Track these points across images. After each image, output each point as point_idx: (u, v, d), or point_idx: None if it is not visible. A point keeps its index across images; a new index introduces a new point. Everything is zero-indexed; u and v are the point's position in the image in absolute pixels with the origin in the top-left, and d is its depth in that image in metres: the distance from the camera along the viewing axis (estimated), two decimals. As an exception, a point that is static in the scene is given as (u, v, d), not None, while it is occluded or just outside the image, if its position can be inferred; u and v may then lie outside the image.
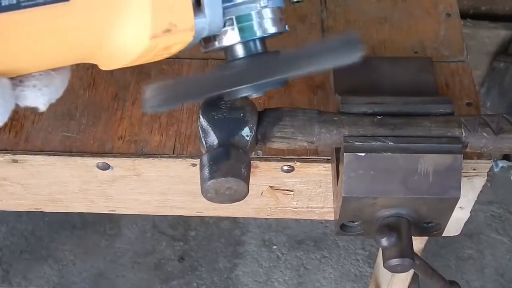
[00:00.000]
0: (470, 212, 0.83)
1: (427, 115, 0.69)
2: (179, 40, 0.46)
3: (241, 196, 0.64)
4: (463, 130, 0.67)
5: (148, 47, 0.45)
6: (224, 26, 0.52)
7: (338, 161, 0.71)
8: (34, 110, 0.51)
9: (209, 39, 0.54)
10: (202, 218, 1.96)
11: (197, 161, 0.76)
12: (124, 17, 0.43)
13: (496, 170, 1.95)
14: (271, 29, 0.55)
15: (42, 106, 0.49)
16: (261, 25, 0.54)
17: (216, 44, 0.54)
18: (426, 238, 0.99)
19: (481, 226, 1.90)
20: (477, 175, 0.77)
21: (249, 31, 0.54)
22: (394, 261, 0.67)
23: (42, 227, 1.96)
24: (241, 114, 0.66)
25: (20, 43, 0.41)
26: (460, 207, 0.81)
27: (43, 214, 1.94)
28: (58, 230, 1.95)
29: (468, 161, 0.75)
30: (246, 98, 0.65)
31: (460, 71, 0.84)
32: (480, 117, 0.68)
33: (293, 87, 0.84)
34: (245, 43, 0.55)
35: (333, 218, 0.76)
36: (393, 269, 0.68)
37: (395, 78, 0.79)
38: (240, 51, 0.55)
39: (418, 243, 1.00)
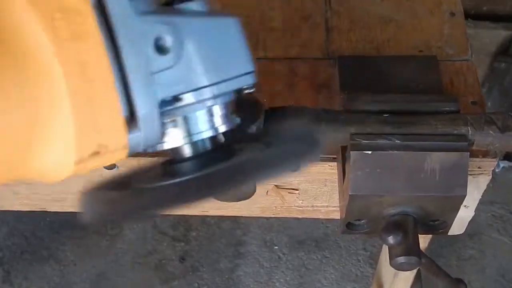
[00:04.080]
0: (474, 211, 0.83)
1: (432, 113, 0.69)
2: (110, 160, 0.41)
3: (247, 195, 0.64)
4: (469, 128, 0.67)
5: (73, 173, 0.39)
6: (168, 127, 0.46)
7: (344, 159, 0.71)
8: None
9: None
10: (203, 218, 1.96)
11: (202, 160, 0.76)
12: (43, 143, 0.38)
13: (497, 170, 1.95)
14: (221, 127, 0.48)
15: None
16: (210, 124, 0.48)
17: (160, 147, 0.47)
18: (430, 236, 0.99)
19: (482, 226, 1.90)
20: (482, 173, 0.77)
21: (197, 132, 0.47)
22: (401, 259, 0.67)
23: (43, 228, 1.96)
24: (248, 113, 0.66)
25: None
26: (465, 206, 0.81)
27: (44, 214, 1.94)
28: (59, 231, 1.95)
29: (473, 159, 0.75)
30: (253, 96, 0.65)
31: (464, 70, 0.84)
32: (485, 115, 0.68)
33: (297, 85, 0.85)
34: (193, 144, 0.48)
35: (338, 217, 0.77)
36: (400, 267, 0.69)
37: (400, 77, 0.79)
38: (187, 151, 0.48)
39: (422, 241, 1.00)
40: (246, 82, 0.47)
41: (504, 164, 1.94)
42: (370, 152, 0.66)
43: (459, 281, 0.75)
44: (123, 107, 0.39)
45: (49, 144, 0.38)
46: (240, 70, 0.47)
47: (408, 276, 1.17)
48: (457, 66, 0.85)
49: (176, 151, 0.48)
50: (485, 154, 0.75)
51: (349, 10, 0.93)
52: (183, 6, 0.45)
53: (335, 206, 0.84)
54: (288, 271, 1.87)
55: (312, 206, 0.84)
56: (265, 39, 0.90)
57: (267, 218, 1.92)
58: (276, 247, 1.91)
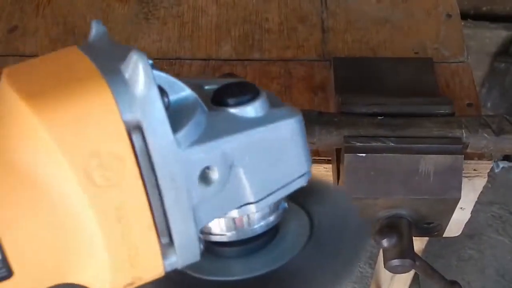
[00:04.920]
0: (471, 213, 0.83)
1: (427, 115, 0.69)
2: (144, 283, 0.39)
3: None
4: (463, 130, 0.67)
5: None
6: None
7: (338, 162, 0.71)
8: None
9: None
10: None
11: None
12: (79, 278, 0.38)
13: (496, 170, 1.95)
14: (270, 219, 0.45)
15: None
16: (257, 222, 0.44)
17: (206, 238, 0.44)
18: (427, 238, 0.99)
19: (482, 227, 1.90)
20: (477, 175, 0.77)
21: (244, 230, 0.44)
22: (395, 262, 0.67)
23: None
24: None
25: None
26: (461, 208, 0.81)
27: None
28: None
29: (468, 161, 0.75)
30: None
31: (460, 72, 0.84)
32: (481, 117, 0.68)
33: (293, 87, 0.84)
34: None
35: (333, 219, 0.76)
36: (394, 270, 0.68)
37: (396, 79, 0.79)
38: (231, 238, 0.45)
39: (419, 243, 1.00)
40: (298, 185, 0.42)
41: (503, 164, 1.94)
42: (364, 154, 0.66)
43: (454, 283, 0.74)
44: (161, 237, 0.37)
45: (83, 279, 0.38)
46: (294, 175, 0.41)
47: (406, 277, 1.17)
48: (453, 68, 0.85)
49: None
50: (481, 156, 0.75)
51: (345, 11, 0.93)
52: (238, 112, 0.39)
53: (330, 208, 0.84)
54: (287, 271, 1.86)
55: (308, 208, 0.84)
56: (261, 41, 0.90)
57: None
58: (276, 248, 1.91)
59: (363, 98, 0.70)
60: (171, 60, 0.87)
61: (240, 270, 0.45)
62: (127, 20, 0.93)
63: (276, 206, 0.44)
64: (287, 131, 0.40)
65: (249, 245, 0.45)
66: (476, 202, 0.81)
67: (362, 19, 0.92)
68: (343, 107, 0.70)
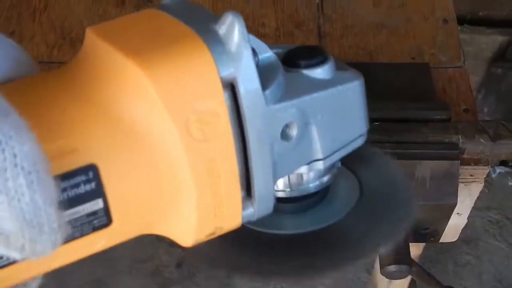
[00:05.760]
0: (468, 218, 0.82)
1: (424, 121, 0.69)
2: (221, 234, 0.42)
3: None
4: (460, 136, 0.67)
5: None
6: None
7: (335, 167, 0.71)
8: None
9: None
10: (199, 224, 1.95)
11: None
12: (165, 229, 0.40)
13: (493, 175, 1.95)
14: (326, 179, 0.47)
15: None
16: (316, 180, 0.46)
17: None
18: (423, 244, 0.99)
19: (479, 232, 1.90)
20: (474, 181, 0.77)
21: (302, 187, 0.47)
22: (391, 268, 0.67)
23: (39, 233, 1.95)
24: None
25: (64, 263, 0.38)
26: (458, 213, 0.80)
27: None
28: (55, 236, 1.94)
29: (465, 167, 0.74)
30: None
31: (457, 77, 0.84)
32: (477, 123, 0.68)
33: (290, 93, 0.84)
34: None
35: (330, 224, 0.76)
36: (391, 276, 0.68)
37: (393, 84, 0.79)
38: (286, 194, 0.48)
39: (416, 249, 1.00)
40: (357, 145, 0.45)
41: (500, 169, 1.94)
42: (360, 160, 0.66)
43: (451, 289, 0.74)
44: (241, 190, 0.39)
45: (169, 230, 0.40)
46: (355, 134, 0.44)
47: (403, 283, 1.16)
48: (449, 73, 0.85)
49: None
50: (477, 162, 0.75)
51: (342, 16, 0.93)
52: (310, 73, 0.42)
53: (327, 214, 0.83)
54: (284, 276, 1.86)
55: (304, 213, 0.84)
56: (257, 46, 0.90)
57: (263, 224, 1.92)
58: (273, 253, 1.91)
59: (359, 104, 0.70)
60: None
61: (291, 225, 0.48)
62: (124, 25, 0.92)
63: (332, 165, 0.46)
64: (353, 93, 0.43)
65: (304, 202, 0.48)
66: (473, 207, 0.81)
67: (358, 24, 0.92)
68: (340, 112, 0.70)
